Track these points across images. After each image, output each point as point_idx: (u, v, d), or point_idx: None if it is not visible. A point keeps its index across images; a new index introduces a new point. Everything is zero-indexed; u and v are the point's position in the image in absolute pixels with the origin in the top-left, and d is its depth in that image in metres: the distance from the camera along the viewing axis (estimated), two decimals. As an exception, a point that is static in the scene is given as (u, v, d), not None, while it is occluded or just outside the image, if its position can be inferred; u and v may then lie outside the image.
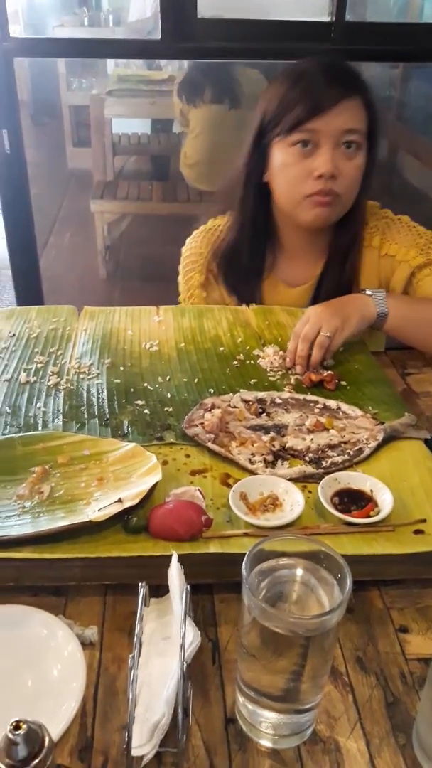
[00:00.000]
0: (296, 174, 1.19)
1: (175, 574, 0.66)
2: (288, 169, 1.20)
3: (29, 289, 2.42)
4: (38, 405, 1.02)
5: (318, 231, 1.29)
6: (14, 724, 0.43)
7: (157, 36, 2.08)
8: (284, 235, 1.33)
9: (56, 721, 0.59)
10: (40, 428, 0.96)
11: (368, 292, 1.18)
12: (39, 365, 1.12)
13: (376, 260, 1.31)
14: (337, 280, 1.31)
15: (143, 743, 0.57)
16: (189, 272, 1.39)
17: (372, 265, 1.31)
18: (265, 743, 0.61)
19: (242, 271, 1.34)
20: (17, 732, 0.43)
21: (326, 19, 2.10)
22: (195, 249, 1.38)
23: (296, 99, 1.15)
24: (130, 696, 0.56)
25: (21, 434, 0.93)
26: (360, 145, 1.18)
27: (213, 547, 0.75)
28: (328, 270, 1.33)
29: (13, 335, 1.21)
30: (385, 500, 0.82)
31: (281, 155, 1.20)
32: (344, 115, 1.15)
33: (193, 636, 0.64)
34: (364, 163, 1.21)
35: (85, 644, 0.68)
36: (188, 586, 0.65)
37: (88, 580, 0.74)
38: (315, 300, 1.32)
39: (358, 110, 1.17)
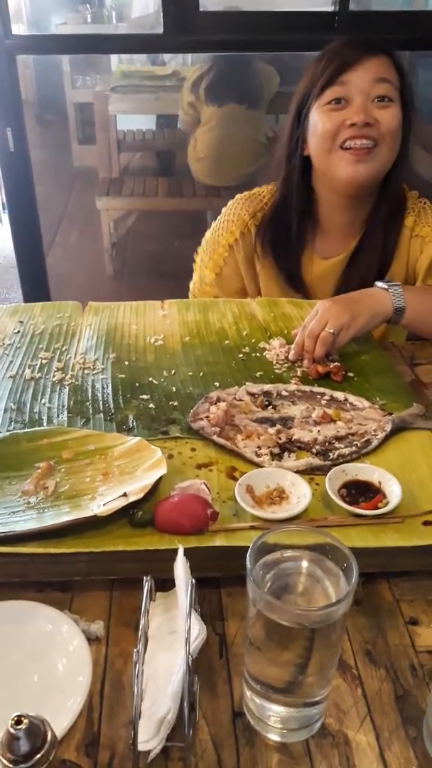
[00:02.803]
0: (330, 127, 1.20)
1: (180, 568, 0.65)
2: (324, 125, 1.21)
3: (36, 288, 2.42)
4: (43, 401, 1.01)
5: (358, 202, 1.30)
6: (15, 718, 0.42)
7: (160, 30, 2.08)
8: (324, 209, 1.33)
9: (62, 717, 0.59)
10: (45, 424, 0.96)
11: (384, 285, 1.16)
12: (44, 361, 1.12)
13: (407, 240, 1.32)
14: (372, 253, 1.31)
15: (150, 738, 0.56)
16: (221, 230, 1.40)
17: (403, 243, 1.32)
18: (273, 737, 0.60)
19: (285, 243, 1.35)
20: (19, 727, 0.42)
21: (330, 8, 2.08)
22: (234, 210, 1.40)
23: (325, 64, 1.21)
24: (136, 691, 0.56)
25: (26, 430, 0.93)
26: (393, 99, 1.20)
27: (219, 541, 0.74)
28: (364, 244, 1.33)
29: (18, 332, 1.21)
30: (393, 491, 0.81)
31: (317, 116, 1.22)
32: (372, 68, 1.19)
33: (198, 630, 0.63)
34: (401, 116, 1.21)
35: (92, 639, 0.67)
36: (194, 580, 0.64)
37: (94, 574, 0.74)
38: (346, 273, 1.33)
39: (385, 65, 1.20)
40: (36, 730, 0.43)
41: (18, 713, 0.43)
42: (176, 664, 0.59)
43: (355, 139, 1.19)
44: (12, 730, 0.42)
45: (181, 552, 0.67)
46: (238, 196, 1.42)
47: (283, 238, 1.34)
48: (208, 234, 1.44)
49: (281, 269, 1.36)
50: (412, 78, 3.18)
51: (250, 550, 0.56)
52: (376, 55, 1.19)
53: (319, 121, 1.22)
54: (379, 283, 1.17)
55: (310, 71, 1.24)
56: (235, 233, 1.37)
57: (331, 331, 1.08)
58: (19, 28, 2.94)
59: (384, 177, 1.27)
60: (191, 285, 1.46)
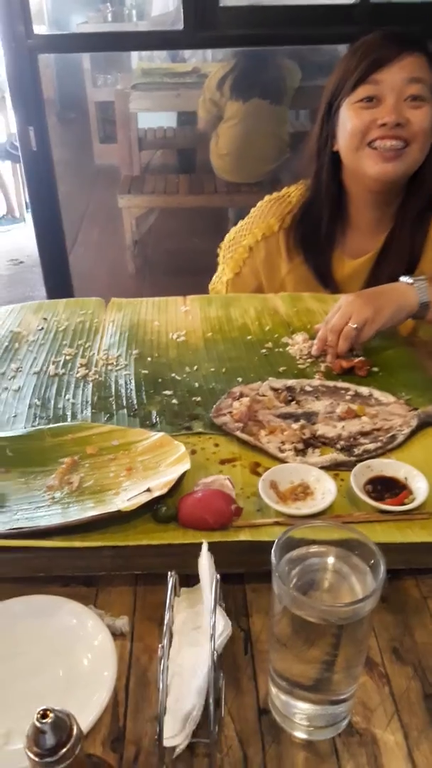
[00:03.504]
0: (360, 126, 1.19)
1: (205, 564, 0.65)
2: (353, 123, 1.20)
3: (59, 286, 2.44)
4: (67, 397, 1.02)
5: (387, 198, 1.28)
6: (41, 712, 0.42)
7: (180, 27, 2.07)
8: (353, 207, 1.32)
9: (87, 712, 0.59)
10: (69, 419, 0.96)
11: (409, 280, 1.14)
12: (67, 357, 1.12)
13: None
14: (401, 249, 1.30)
15: (175, 734, 0.56)
16: (244, 231, 1.40)
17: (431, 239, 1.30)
18: (300, 735, 0.59)
19: (316, 243, 1.34)
20: (44, 721, 0.42)
21: (350, 1, 2.07)
22: (261, 212, 1.40)
23: (359, 59, 1.18)
24: (161, 686, 0.55)
25: (50, 426, 0.93)
26: (426, 99, 1.18)
27: (243, 536, 0.74)
28: (392, 240, 1.31)
29: (42, 328, 1.21)
30: (419, 487, 0.80)
31: (347, 113, 1.21)
32: (406, 67, 1.16)
33: (223, 626, 0.63)
34: None
35: (116, 634, 0.67)
36: (218, 576, 0.64)
37: (118, 569, 0.74)
38: (375, 270, 1.32)
39: (420, 64, 1.17)
40: (62, 724, 0.43)
41: (44, 707, 0.42)
42: (201, 660, 0.59)
43: (385, 140, 1.18)
44: (38, 724, 0.42)
45: (205, 547, 0.66)
46: (267, 197, 1.41)
47: (314, 238, 1.33)
48: (232, 232, 1.44)
49: (312, 269, 1.35)
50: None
51: (275, 545, 0.55)
52: (411, 53, 1.16)
53: (348, 118, 1.20)
54: (403, 278, 1.15)
55: (342, 65, 1.21)
56: (257, 235, 1.37)
57: (354, 326, 1.07)
58: (40, 29, 2.95)
59: (414, 173, 1.25)
60: (213, 278, 1.46)
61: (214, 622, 0.59)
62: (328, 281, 1.35)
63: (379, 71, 1.16)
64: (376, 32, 1.21)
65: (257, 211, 1.41)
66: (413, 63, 1.16)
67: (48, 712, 0.42)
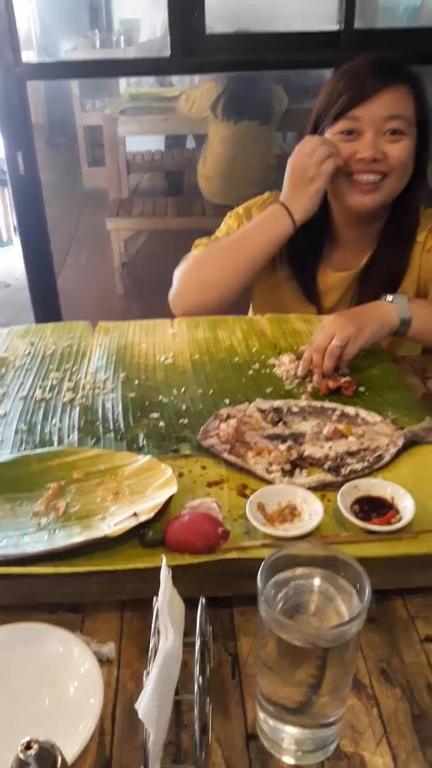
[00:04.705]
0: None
1: (162, 582, 0.62)
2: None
3: (47, 309, 2.44)
4: (54, 421, 1.02)
5: (368, 220, 1.31)
6: (25, 743, 0.42)
7: (167, 53, 2.11)
8: (338, 224, 1.35)
9: (74, 740, 0.58)
10: (55, 444, 0.96)
11: (390, 298, 1.17)
12: (54, 382, 1.12)
13: (419, 254, 1.32)
14: (384, 268, 1.32)
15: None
16: (237, 212, 1.42)
17: (415, 258, 1.33)
18: (288, 760, 0.59)
19: (302, 254, 1.36)
20: (29, 752, 0.42)
21: (335, 27, 2.10)
22: (259, 200, 1.41)
23: (341, 90, 1.20)
24: (147, 713, 0.55)
25: (36, 451, 0.93)
26: (405, 132, 1.20)
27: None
28: (377, 258, 1.34)
29: (29, 353, 1.22)
30: (406, 507, 0.80)
31: None
32: (387, 103, 1.18)
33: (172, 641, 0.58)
34: (413, 146, 1.22)
35: (103, 661, 0.66)
36: (203, 599, 0.63)
37: (105, 596, 0.73)
38: (359, 287, 1.34)
39: (402, 98, 1.19)
40: (46, 755, 0.42)
41: (28, 738, 0.42)
42: (148, 687, 0.55)
43: (362, 174, 1.21)
44: (22, 756, 0.42)
45: (164, 566, 0.63)
46: (266, 192, 1.43)
47: (300, 249, 1.35)
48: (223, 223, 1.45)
49: (297, 279, 1.37)
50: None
51: (260, 570, 0.55)
52: (394, 86, 1.18)
53: None
54: (385, 296, 1.18)
55: (327, 90, 1.24)
56: (253, 214, 1.38)
57: (338, 343, 1.08)
58: (29, 54, 2.99)
59: (397, 197, 1.27)
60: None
61: (199, 646, 0.58)
62: (310, 292, 1.38)
63: (359, 107, 1.18)
64: (361, 59, 1.22)
65: (257, 199, 1.42)
66: (393, 98, 1.18)
67: (32, 744, 0.42)
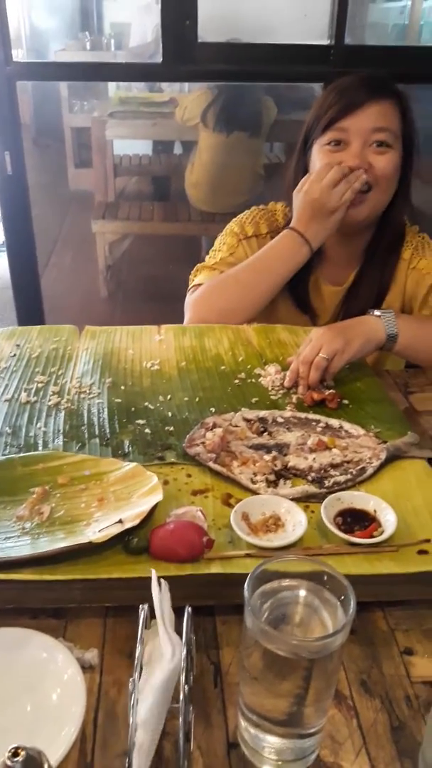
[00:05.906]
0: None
1: (156, 595, 0.63)
2: (321, 164, 1.24)
3: (30, 309, 2.43)
4: (38, 425, 1.01)
5: (354, 234, 1.33)
6: (12, 750, 0.42)
7: (159, 59, 2.12)
8: (327, 240, 1.35)
9: (55, 747, 0.58)
10: (40, 448, 0.96)
11: (377, 313, 1.19)
12: (40, 385, 1.12)
13: (404, 271, 1.35)
14: (370, 284, 1.35)
15: (144, 769, 0.55)
16: (232, 230, 1.42)
17: (400, 275, 1.35)
18: (269, 769, 0.59)
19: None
20: (16, 759, 0.42)
21: (326, 42, 2.13)
22: (251, 216, 1.42)
23: (330, 102, 1.24)
24: (131, 720, 0.55)
25: (21, 454, 0.93)
26: (391, 145, 1.23)
27: (215, 569, 0.74)
28: (363, 274, 1.36)
29: (14, 355, 1.21)
30: (388, 520, 0.81)
31: (317, 154, 1.27)
32: (374, 114, 1.21)
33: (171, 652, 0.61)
34: (398, 160, 1.25)
35: (85, 667, 0.66)
36: (190, 608, 0.64)
37: (89, 602, 0.73)
38: (346, 302, 1.37)
39: (388, 112, 1.22)
40: (33, 762, 0.43)
41: (15, 745, 0.42)
42: (144, 694, 0.58)
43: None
44: (9, 763, 0.42)
45: (154, 577, 0.65)
46: (253, 207, 1.44)
47: None
48: (222, 233, 1.45)
49: (289, 292, 1.38)
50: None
51: (248, 580, 0.56)
52: (381, 100, 1.21)
53: (318, 159, 1.26)
54: (372, 311, 1.19)
55: (317, 104, 1.27)
56: (248, 232, 1.39)
57: (325, 356, 1.10)
58: (18, 54, 2.97)
59: (382, 212, 1.29)
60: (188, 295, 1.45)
61: (185, 654, 0.59)
62: (304, 306, 1.39)
63: (347, 118, 1.22)
64: (352, 76, 1.26)
65: (245, 216, 1.43)
66: (380, 111, 1.21)
67: (19, 750, 0.42)
